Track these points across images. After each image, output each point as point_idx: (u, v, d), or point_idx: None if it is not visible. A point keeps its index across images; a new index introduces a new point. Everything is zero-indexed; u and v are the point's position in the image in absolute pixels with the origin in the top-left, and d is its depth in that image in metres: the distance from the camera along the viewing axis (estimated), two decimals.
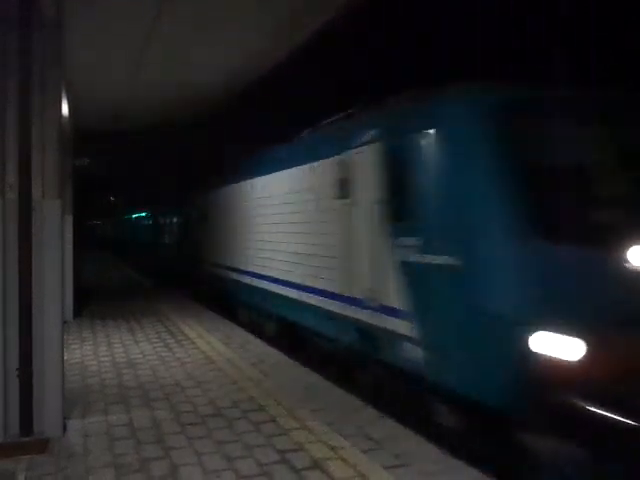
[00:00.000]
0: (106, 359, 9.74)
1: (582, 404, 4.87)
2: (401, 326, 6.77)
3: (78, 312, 14.30)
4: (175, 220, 23.59)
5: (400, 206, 6.90)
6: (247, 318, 13.71)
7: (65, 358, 6.71)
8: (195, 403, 7.30)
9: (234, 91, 14.90)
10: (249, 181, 13.22)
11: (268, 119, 18.04)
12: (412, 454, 5.63)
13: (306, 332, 10.07)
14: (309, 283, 9.54)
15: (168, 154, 26.29)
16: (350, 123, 8.97)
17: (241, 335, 11.78)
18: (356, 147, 7.99)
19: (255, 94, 14.95)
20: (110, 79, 13.65)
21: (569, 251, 5.35)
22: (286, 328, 11.05)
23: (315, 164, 9.42)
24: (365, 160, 7.73)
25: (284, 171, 10.91)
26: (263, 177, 12.20)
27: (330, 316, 8.67)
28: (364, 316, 7.65)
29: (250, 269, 12.93)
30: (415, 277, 6.60)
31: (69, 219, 13.33)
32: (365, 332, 7.70)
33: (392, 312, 6.98)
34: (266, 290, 11.75)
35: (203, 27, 10.32)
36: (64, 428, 6.29)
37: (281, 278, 10.86)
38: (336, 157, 8.59)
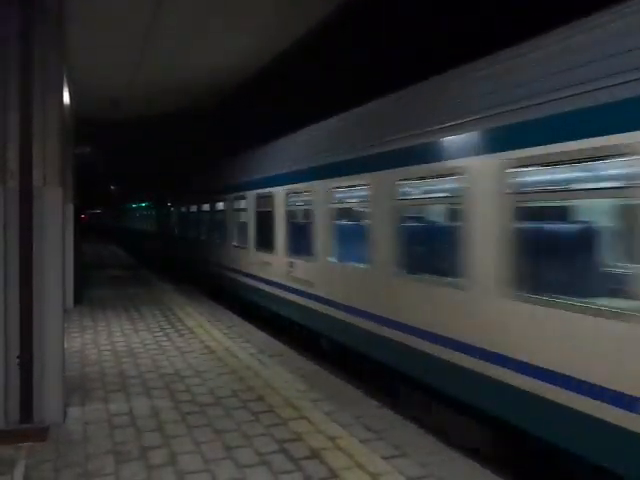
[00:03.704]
0: (106, 347, 9.77)
1: None
2: None
3: (79, 299, 14.33)
4: None
5: None
6: None
7: (65, 346, 6.72)
8: (194, 392, 7.33)
9: (237, 78, 14.87)
10: None
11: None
12: (411, 445, 5.65)
13: None
14: None
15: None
16: None
17: (241, 325, 11.80)
18: None
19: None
20: (111, 68, 13.63)
21: None
22: None
23: None
24: None
25: None
26: None
27: None
28: None
29: None
30: None
31: (70, 207, 13.31)
32: None
33: None
34: None
35: (204, 16, 10.30)
36: (64, 416, 6.32)
37: None
38: None
